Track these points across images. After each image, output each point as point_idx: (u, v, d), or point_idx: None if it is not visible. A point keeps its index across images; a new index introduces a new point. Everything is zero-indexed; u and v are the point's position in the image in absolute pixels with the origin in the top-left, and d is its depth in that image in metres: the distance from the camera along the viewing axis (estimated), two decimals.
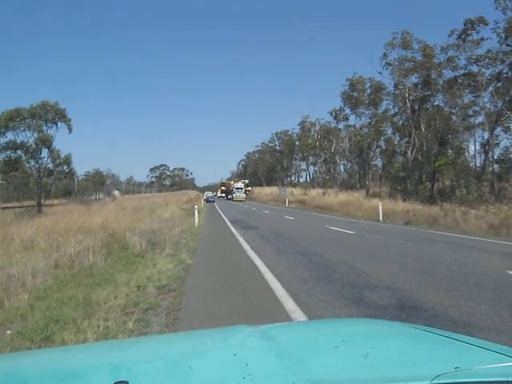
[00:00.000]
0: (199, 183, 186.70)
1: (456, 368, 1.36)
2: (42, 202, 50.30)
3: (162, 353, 1.98)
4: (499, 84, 41.94)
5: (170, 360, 1.82)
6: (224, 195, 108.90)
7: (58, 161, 53.43)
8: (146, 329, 5.94)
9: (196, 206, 27.84)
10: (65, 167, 55.73)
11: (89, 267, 10.32)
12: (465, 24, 41.31)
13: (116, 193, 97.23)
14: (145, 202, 45.13)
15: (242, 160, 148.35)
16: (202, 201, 65.62)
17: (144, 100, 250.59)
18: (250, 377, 1.37)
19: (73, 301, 7.12)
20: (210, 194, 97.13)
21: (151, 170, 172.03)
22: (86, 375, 1.62)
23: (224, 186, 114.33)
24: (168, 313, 6.78)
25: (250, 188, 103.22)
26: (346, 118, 73.70)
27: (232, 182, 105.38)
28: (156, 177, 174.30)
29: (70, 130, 53.23)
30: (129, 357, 1.88)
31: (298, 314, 6.55)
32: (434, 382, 1.23)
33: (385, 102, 59.38)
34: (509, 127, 50.66)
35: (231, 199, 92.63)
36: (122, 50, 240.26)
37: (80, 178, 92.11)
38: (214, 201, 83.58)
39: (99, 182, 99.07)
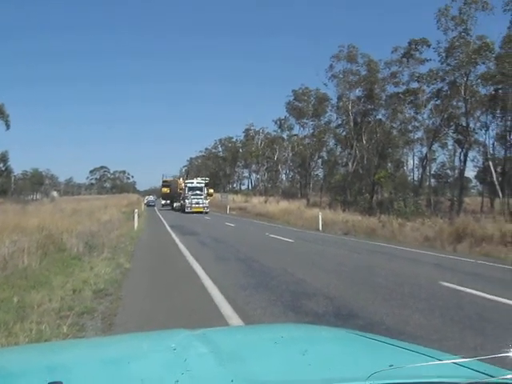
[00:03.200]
0: (140, 187, 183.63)
1: (390, 365, 1.39)
2: None
3: (99, 354, 1.94)
4: (438, 101, 43.43)
5: (107, 361, 1.79)
6: (168, 202, 68.43)
7: None
8: (80, 333, 5.85)
9: (136, 210, 27.48)
10: (1, 165, 54.10)
11: (23, 269, 10.01)
12: (409, 43, 42.64)
13: (54, 194, 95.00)
14: (84, 204, 44.06)
15: (185, 165, 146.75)
16: (143, 205, 64.71)
17: (86, 102, 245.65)
18: (188, 373, 1.36)
19: (5, 303, 6.91)
20: (151, 197, 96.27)
21: (91, 171, 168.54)
22: (19, 376, 1.57)
23: (168, 185, 67.12)
24: (104, 317, 6.69)
25: (212, 190, 62.22)
26: (291, 128, 74.65)
27: (181, 180, 65.28)
28: (96, 179, 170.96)
29: (8, 127, 51.77)
30: (64, 358, 1.84)
31: (235, 320, 6.55)
32: (369, 380, 1.26)
33: (328, 114, 60.53)
34: (446, 143, 52.53)
35: (182, 209, 54.63)
36: (65, 50, 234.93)
37: (17, 177, 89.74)
38: (154, 205, 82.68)
39: (37, 182, 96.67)
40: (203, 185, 55.79)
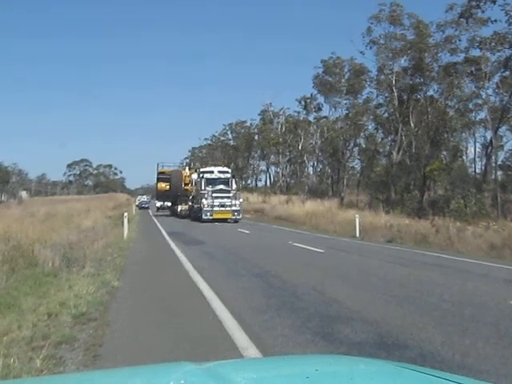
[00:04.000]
0: (131, 185, 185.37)
1: None
2: None
3: None
4: (507, 73, 42.70)
5: None
6: (169, 204, 58.56)
7: None
8: (57, 368, 5.86)
9: (126, 214, 27.53)
10: None
11: None
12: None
13: (23, 194, 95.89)
14: (60, 207, 44.44)
15: (186, 157, 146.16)
16: (134, 206, 64.70)
17: (62, 81, 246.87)
18: None
19: None
20: (144, 198, 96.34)
21: (69, 166, 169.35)
22: None
23: (166, 179, 54.12)
24: (87, 348, 6.70)
25: (235, 186, 47.08)
26: (319, 109, 74.21)
27: (186, 171, 55.17)
28: (75, 175, 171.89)
29: None
30: None
31: (252, 351, 6.56)
32: None
33: (367, 90, 59.95)
34: None
35: (194, 215, 44.87)
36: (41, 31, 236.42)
37: None
38: (148, 207, 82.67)
39: (1, 180, 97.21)
40: (229, 176, 44.96)
